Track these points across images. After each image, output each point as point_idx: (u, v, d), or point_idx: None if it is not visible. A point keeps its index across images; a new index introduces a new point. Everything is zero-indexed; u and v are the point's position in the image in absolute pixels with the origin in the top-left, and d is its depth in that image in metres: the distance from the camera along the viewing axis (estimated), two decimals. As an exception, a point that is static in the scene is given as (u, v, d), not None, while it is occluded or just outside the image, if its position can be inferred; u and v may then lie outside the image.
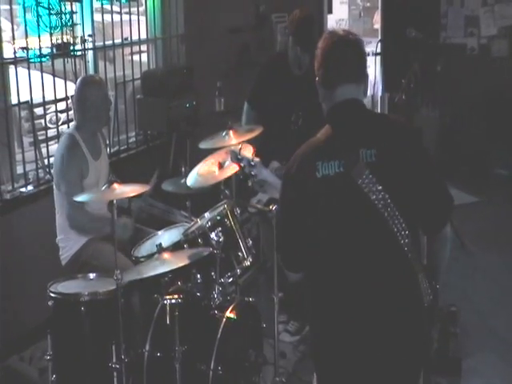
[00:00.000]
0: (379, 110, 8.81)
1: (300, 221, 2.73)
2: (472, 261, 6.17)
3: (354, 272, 2.68)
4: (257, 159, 3.70)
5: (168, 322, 3.71)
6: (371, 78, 8.53)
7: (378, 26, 9.14)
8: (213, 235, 3.93)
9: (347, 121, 2.75)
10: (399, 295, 2.70)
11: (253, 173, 3.68)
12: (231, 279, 4.00)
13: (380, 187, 2.60)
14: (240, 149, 3.86)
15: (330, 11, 8.81)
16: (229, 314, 3.81)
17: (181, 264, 3.69)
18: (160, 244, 3.85)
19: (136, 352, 3.79)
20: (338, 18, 9.28)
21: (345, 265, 2.69)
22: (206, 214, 4.23)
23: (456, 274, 5.82)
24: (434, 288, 2.81)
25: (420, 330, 2.75)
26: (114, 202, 3.76)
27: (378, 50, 7.89)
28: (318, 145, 2.74)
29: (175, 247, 4.07)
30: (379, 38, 8.85)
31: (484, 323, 5.09)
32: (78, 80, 4.60)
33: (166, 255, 3.77)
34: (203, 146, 4.47)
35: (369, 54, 8.73)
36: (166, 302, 3.73)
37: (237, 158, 3.75)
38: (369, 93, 8.52)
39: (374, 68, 8.18)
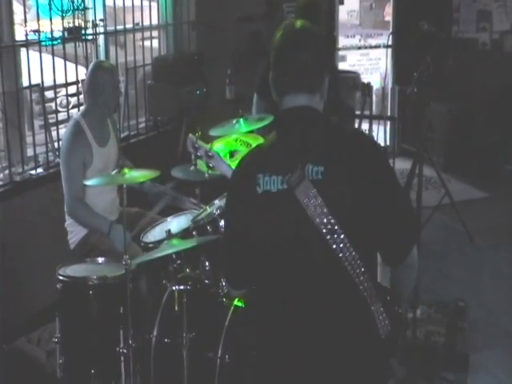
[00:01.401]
0: (389, 103, 8.79)
1: (241, 237, 2.46)
2: (481, 256, 6.15)
3: (295, 301, 2.42)
4: (214, 151, 3.65)
5: (176, 308, 3.70)
6: (382, 69, 8.58)
7: (389, 18, 9.08)
8: (222, 223, 3.90)
9: (295, 130, 2.41)
10: (345, 328, 2.40)
11: (211, 164, 3.63)
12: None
13: (326, 210, 2.28)
14: (197, 137, 3.80)
15: (342, 2, 8.77)
16: (237, 301, 3.79)
17: (190, 245, 3.67)
18: (169, 230, 3.83)
19: (143, 337, 3.77)
20: (349, 9, 9.22)
21: (285, 292, 2.43)
22: (216, 202, 4.19)
23: (464, 269, 5.82)
24: (396, 316, 2.50)
25: (373, 363, 2.45)
26: (124, 186, 3.75)
27: (390, 43, 7.85)
28: (261, 154, 2.46)
29: (184, 234, 4.05)
30: (390, 30, 8.80)
31: (492, 318, 5.07)
32: (91, 64, 4.58)
33: (175, 241, 3.75)
34: (213, 133, 4.45)
35: (380, 47, 8.75)
36: (174, 288, 3.71)
37: (193, 146, 3.69)
38: (379, 85, 8.51)
39: (385, 60, 8.14)
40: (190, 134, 3.92)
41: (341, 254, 2.30)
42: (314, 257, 2.36)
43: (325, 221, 2.29)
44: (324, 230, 2.29)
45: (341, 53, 8.80)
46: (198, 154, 3.64)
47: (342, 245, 2.30)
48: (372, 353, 2.43)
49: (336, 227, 2.29)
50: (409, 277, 2.53)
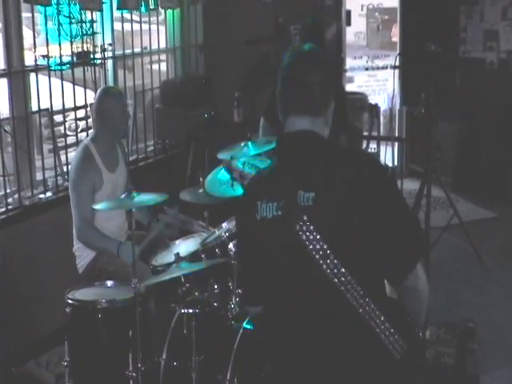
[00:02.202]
0: (397, 123, 8.80)
1: (249, 259, 2.55)
2: (490, 276, 6.12)
3: (299, 324, 2.44)
4: (248, 172, 3.73)
5: (185, 331, 3.71)
6: (390, 90, 8.59)
7: (396, 38, 9.12)
8: (230, 246, 3.91)
9: (291, 156, 2.41)
10: (351, 351, 2.38)
11: (245, 184, 3.70)
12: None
13: (318, 236, 2.29)
14: (230, 160, 3.89)
15: (349, 24, 8.80)
16: (245, 324, 3.79)
17: (199, 268, 3.68)
18: (178, 253, 3.84)
19: (152, 360, 3.77)
20: (356, 30, 9.27)
21: (290, 314, 2.46)
22: (224, 225, 4.21)
23: (474, 290, 5.79)
24: (413, 335, 2.48)
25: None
26: (133, 210, 3.78)
27: (397, 64, 7.87)
28: (261, 181, 2.51)
29: (193, 257, 4.07)
30: (397, 51, 8.83)
31: (502, 339, 5.04)
32: (99, 90, 4.61)
33: (183, 264, 3.76)
34: (221, 156, 4.47)
35: (387, 68, 8.78)
36: (183, 311, 3.73)
37: (228, 169, 3.78)
38: (387, 106, 8.52)
39: (392, 81, 8.16)
40: (224, 159, 4.04)
41: (336, 280, 2.29)
42: (310, 282, 2.36)
43: (317, 247, 2.29)
44: (317, 256, 2.29)
45: (348, 74, 8.83)
46: (234, 176, 3.71)
47: (336, 270, 2.29)
48: (389, 374, 2.41)
49: (328, 252, 2.29)
50: (413, 300, 2.47)
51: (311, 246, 2.30)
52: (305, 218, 2.30)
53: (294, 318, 2.44)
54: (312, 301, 2.39)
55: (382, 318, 2.35)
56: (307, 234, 2.30)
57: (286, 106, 2.45)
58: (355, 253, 2.32)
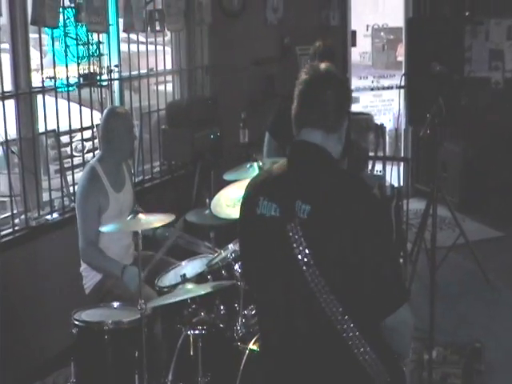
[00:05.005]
0: (403, 143, 8.81)
1: (241, 247, 2.73)
2: (497, 296, 6.11)
3: (275, 318, 2.55)
4: None
5: (191, 352, 3.71)
6: (395, 110, 8.60)
7: (401, 58, 9.14)
8: (236, 267, 3.92)
9: (299, 165, 2.51)
10: (321, 365, 2.44)
11: None
12: (254, 311, 3.98)
13: (307, 250, 2.35)
14: None
15: (354, 44, 8.84)
16: (252, 345, 3.78)
17: (205, 291, 3.68)
18: (184, 275, 3.84)
19: (159, 382, 3.77)
20: (361, 50, 9.30)
21: (270, 310, 2.59)
22: (230, 246, 4.21)
23: (481, 310, 5.77)
24: (396, 370, 2.52)
25: None
26: (139, 232, 3.78)
27: (402, 84, 7.89)
28: (269, 178, 2.59)
29: (199, 278, 4.07)
30: (403, 70, 8.85)
31: (509, 360, 5.01)
32: (105, 110, 4.63)
33: (189, 286, 3.77)
34: (227, 177, 4.49)
35: (392, 88, 8.80)
36: (189, 332, 3.72)
37: None
38: (392, 126, 8.50)
39: (397, 101, 8.18)
40: None
41: (316, 291, 2.35)
42: (292, 288, 2.44)
43: (303, 253, 2.36)
44: (300, 262, 2.36)
45: (354, 94, 8.84)
46: None
47: (316, 281, 2.35)
48: None
49: (312, 263, 2.35)
50: (394, 339, 2.49)
51: (300, 256, 2.36)
52: (298, 227, 2.37)
53: (274, 314, 2.55)
54: (291, 302, 2.46)
55: (363, 342, 2.38)
56: (297, 241, 2.37)
57: (301, 119, 2.54)
58: (337, 274, 2.36)
